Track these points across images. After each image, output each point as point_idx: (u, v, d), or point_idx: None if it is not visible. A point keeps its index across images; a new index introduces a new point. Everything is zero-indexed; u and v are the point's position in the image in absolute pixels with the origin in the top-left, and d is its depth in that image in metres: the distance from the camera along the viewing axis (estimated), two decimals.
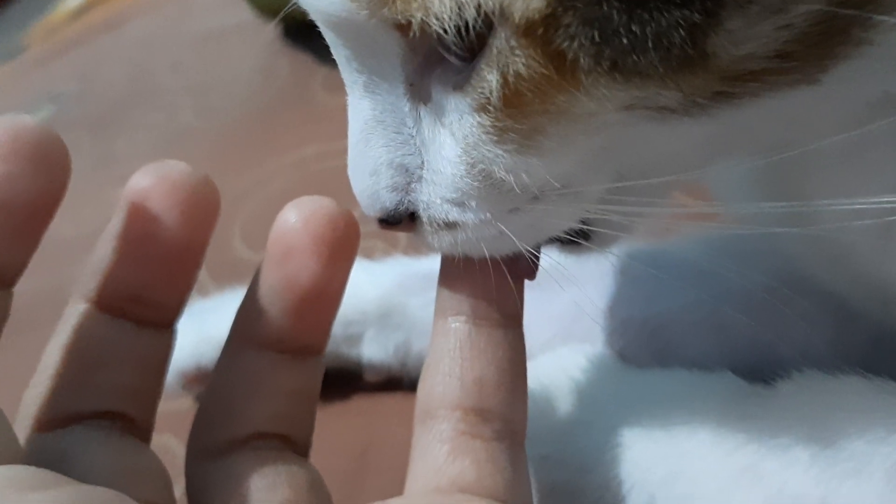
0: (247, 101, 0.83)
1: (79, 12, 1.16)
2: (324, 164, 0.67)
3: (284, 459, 0.29)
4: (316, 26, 0.25)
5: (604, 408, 0.35)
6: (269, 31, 0.86)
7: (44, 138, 0.24)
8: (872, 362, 0.30)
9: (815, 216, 0.27)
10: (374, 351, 0.45)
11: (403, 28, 0.22)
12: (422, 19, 0.21)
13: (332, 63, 0.26)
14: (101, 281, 0.29)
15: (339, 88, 0.26)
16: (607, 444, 0.33)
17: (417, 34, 0.22)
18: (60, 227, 0.65)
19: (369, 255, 0.51)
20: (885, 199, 0.23)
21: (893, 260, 0.28)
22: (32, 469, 0.23)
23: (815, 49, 0.20)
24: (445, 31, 0.21)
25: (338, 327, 0.32)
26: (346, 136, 0.27)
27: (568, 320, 0.41)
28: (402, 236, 0.54)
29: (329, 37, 0.25)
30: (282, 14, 0.26)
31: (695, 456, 0.31)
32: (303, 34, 0.26)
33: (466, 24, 0.21)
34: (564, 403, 0.36)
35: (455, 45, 0.22)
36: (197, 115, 0.83)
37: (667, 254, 0.40)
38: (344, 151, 0.27)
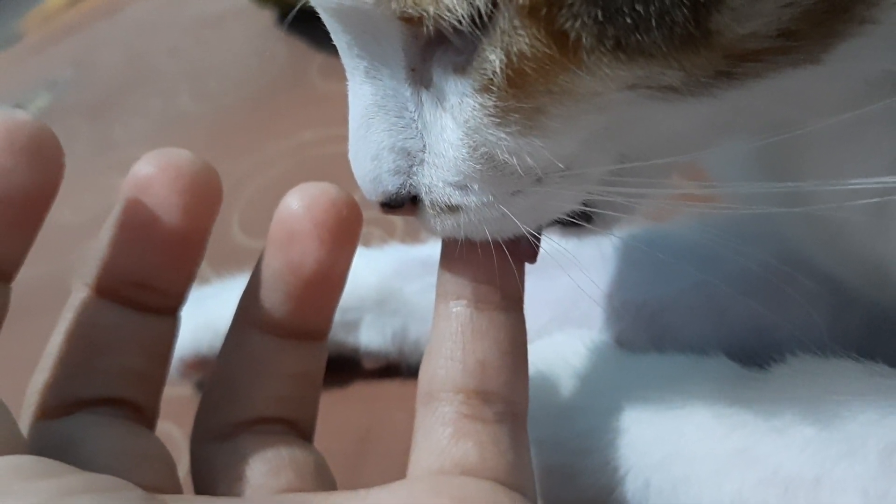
0: (244, 86, 0.82)
1: None
2: (321, 150, 0.67)
3: (289, 443, 0.29)
4: (312, 12, 0.25)
5: (600, 392, 0.35)
6: (266, 16, 0.86)
7: (38, 132, 0.25)
8: (868, 345, 0.30)
9: (811, 196, 0.27)
10: (371, 337, 0.45)
11: (411, 20, 0.22)
12: (434, 13, 0.21)
13: (328, 49, 0.26)
14: (104, 268, 0.29)
15: (335, 74, 0.26)
16: (603, 428, 0.33)
17: (431, 28, 0.22)
18: (60, 214, 0.65)
19: (366, 242, 0.51)
20: (880, 180, 0.23)
21: (887, 240, 0.28)
22: (36, 458, 0.23)
23: (818, 28, 0.21)
24: (460, 22, 0.21)
25: (336, 314, 0.32)
26: (343, 122, 0.27)
27: (565, 305, 0.41)
28: (399, 223, 0.54)
29: (330, 23, 0.25)
30: (294, 12, 0.26)
31: (690, 439, 0.31)
32: (299, 19, 0.26)
33: (478, 9, 0.21)
34: (561, 388, 0.36)
35: (467, 30, 0.22)
36: (194, 100, 0.82)
37: (665, 237, 0.40)
38: (342, 138, 0.27)
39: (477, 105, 0.23)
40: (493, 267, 0.28)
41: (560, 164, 0.24)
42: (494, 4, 0.21)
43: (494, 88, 0.22)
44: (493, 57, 0.22)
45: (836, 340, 0.31)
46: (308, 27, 0.25)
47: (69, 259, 0.59)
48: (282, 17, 0.87)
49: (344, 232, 0.29)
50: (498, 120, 0.23)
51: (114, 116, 0.84)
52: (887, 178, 0.23)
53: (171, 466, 0.28)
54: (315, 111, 0.71)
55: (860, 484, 0.27)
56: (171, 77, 0.88)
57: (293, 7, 0.26)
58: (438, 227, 0.27)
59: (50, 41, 1.04)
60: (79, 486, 0.22)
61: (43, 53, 1.02)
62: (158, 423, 0.31)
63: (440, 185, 0.26)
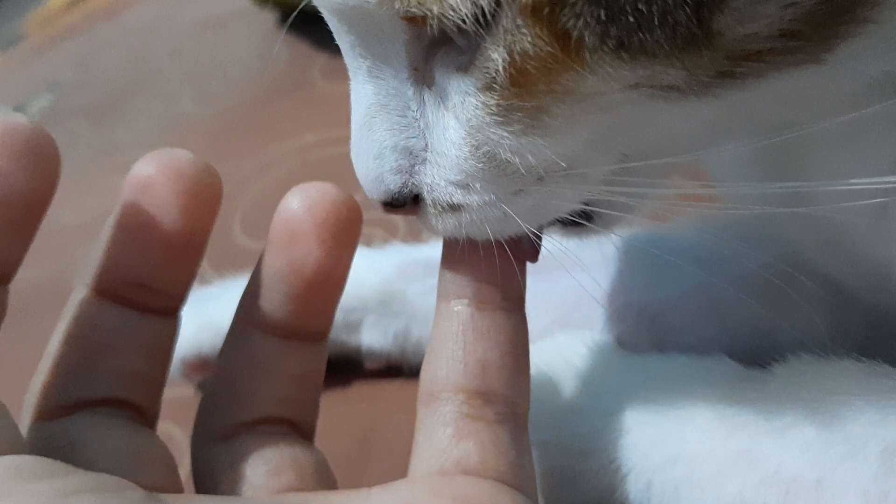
0: (246, 88, 0.83)
1: (76, 0, 1.16)
2: (323, 151, 0.67)
3: (290, 443, 0.29)
4: (314, 13, 0.25)
5: (602, 393, 0.35)
6: (267, 17, 0.86)
7: (35, 135, 0.25)
8: (869, 346, 0.30)
9: (812, 197, 0.27)
10: (373, 338, 0.45)
11: (414, 19, 0.22)
12: (438, 13, 0.21)
13: (330, 50, 0.26)
14: (104, 269, 0.29)
15: (337, 75, 0.26)
16: (605, 430, 0.33)
17: (435, 27, 0.22)
18: (61, 215, 0.66)
19: (369, 243, 0.51)
20: (881, 180, 0.23)
21: (888, 241, 0.28)
22: (37, 458, 0.23)
23: (820, 28, 0.21)
24: (464, 22, 0.21)
25: (337, 314, 0.32)
26: (345, 123, 0.27)
27: (567, 306, 0.41)
28: (401, 224, 0.54)
29: (333, 23, 0.25)
30: (295, 13, 0.26)
31: (692, 440, 0.31)
32: (300, 20, 0.26)
33: (481, 8, 0.21)
34: (563, 389, 0.36)
35: (471, 29, 0.22)
36: (196, 102, 0.82)
37: (667, 238, 0.40)
38: (343, 139, 0.27)
39: (479, 104, 0.23)
40: (494, 267, 0.28)
41: (562, 164, 0.24)
42: (497, 3, 0.21)
43: (497, 87, 0.22)
44: (495, 56, 0.22)
45: (837, 342, 0.31)
46: (310, 28, 0.25)
47: (70, 260, 0.60)
48: (283, 18, 0.87)
49: (344, 232, 0.29)
50: (500, 119, 0.23)
51: (115, 118, 0.84)
52: (888, 179, 0.23)
53: (172, 466, 0.28)
54: (317, 113, 0.71)
55: (861, 485, 0.27)
56: (172, 79, 0.88)
57: (294, 8, 0.26)
58: (440, 227, 0.27)
59: (51, 43, 1.04)
60: (80, 486, 0.22)
61: (44, 55, 1.02)
62: (160, 423, 0.31)
63: (442, 184, 0.26)
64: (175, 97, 0.84)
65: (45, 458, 0.23)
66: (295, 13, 0.26)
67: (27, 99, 0.91)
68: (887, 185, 0.23)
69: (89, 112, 0.86)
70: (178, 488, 0.28)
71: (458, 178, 0.25)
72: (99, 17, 1.06)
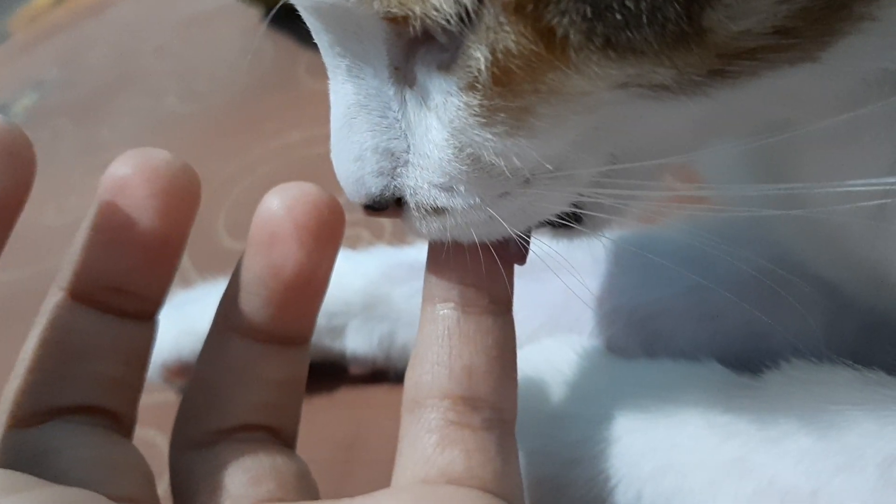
0: (231, 86, 0.83)
1: None
2: (309, 150, 0.67)
3: (270, 451, 0.29)
4: (296, 10, 0.24)
5: (590, 400, 0.35)
6: (253, 14, 0.85)
7: (9, 134, 0.24)
8: (864, 350, 0.30)
9: (807, 198, 0.27)
10: (358, 342, 0.45)
11: (395, 19, 0.21)
12: (421, 13, 0.21)
13: (315, 47, 0.25)
14: (80, 272, 0.28)
15: (323, 73, 0.26)
16: (594, 438, 0.32)
17: (417, 27, 0.21)
18: (45, 215, 0.65)
19: (354, 245, 0.50)
20: (879, 182, 0.23)
21: (886, 242, 0.27)
22: (4, 472, 0.22)
23: (815, 25, 0.20)
24: (448, 22, 0.21)
25: (321, 319, 0.31)
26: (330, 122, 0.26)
27: (556, 309, 0.40)
28: (387, 225, 0.54)
29: (310, 22, 0.24)
30: (274, 11, 0.26)
31: (683, 449, 0.30)
32: (285, 17, 0.26)
33: (465, 8, 0.20)
34: (551, 396, 0.36)
35: (455, 29, 0.21)
36: (182, 100, 0.82)
37: (657, 240, 0.40)
38: (329, 138, 0.27)
39: (462, 104, 0.22)
40: (480, 269, 0.28)
41: (548, 166, 0.24)
42: (480, 0, 0.20)
43: (479, 87, 0.22)
44: (477, 54, 0.21)
45: (831, 346, 0.31)
46: (295, 24, 0.25)
47: (53, 261, 0.59)
48: (268, 14, 0.87)
49: (326, 233, 0.28)
50: (484, 120, 0.22)
51: (100, 116, 0.83)
52: (887, 181, 0.22)
53: (148, 477, 0.28)
54: (302, 111, 0.71)
55: (859, 497, 0.26)
56: (158, 76, 0.88)
57: (277, 4, 0.26)
58: (424, 230, 0.26)
59: (37, 41, 1.04)
60: (48, 500, 0.21)
61: (29, 53, 1.02)
62: (140, 429, 0.30)
63: (425, 186, 0.25)
64: (160, 95, 0.84)
65: (12, 472, 0.22)
66: (275, 9, 0.26)
67: (12, 97, 0.91)
68: (886, 187, 0.23)
69: (74, 110, 0.86)
70: (153, 499, 0.27)
71: (442, 180, 0.25)
72: (85, 15, 1.06)
